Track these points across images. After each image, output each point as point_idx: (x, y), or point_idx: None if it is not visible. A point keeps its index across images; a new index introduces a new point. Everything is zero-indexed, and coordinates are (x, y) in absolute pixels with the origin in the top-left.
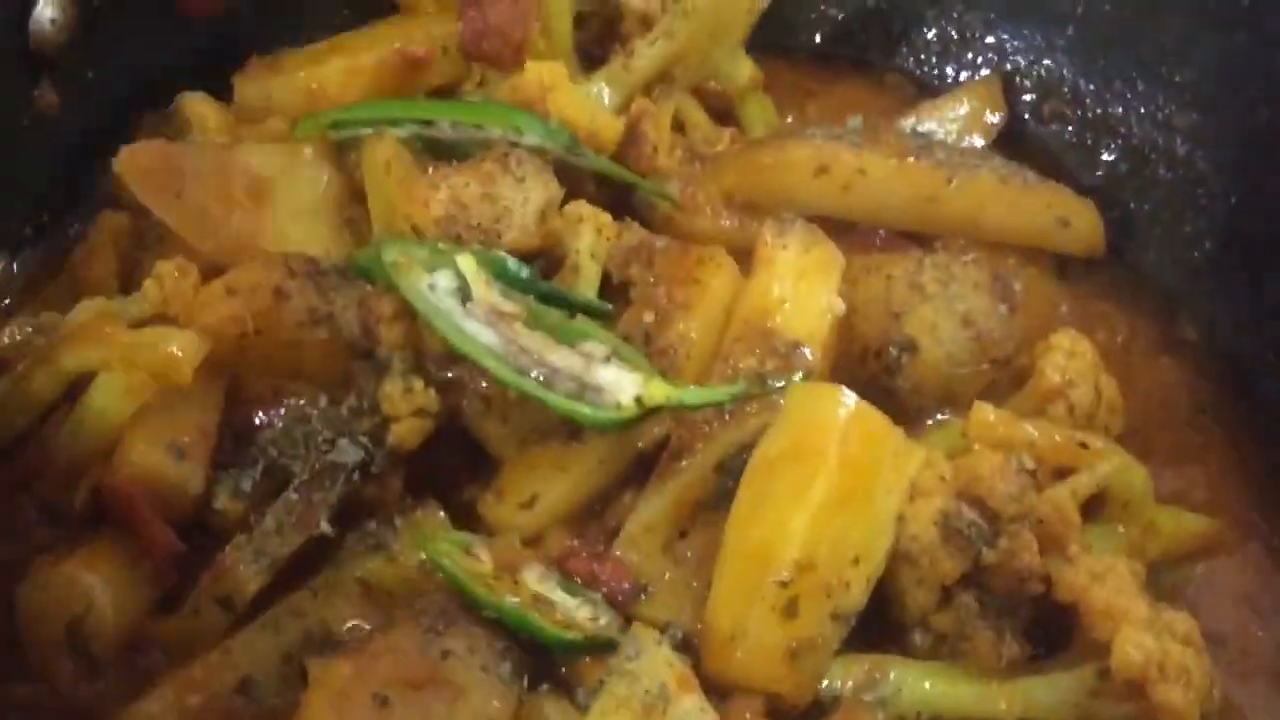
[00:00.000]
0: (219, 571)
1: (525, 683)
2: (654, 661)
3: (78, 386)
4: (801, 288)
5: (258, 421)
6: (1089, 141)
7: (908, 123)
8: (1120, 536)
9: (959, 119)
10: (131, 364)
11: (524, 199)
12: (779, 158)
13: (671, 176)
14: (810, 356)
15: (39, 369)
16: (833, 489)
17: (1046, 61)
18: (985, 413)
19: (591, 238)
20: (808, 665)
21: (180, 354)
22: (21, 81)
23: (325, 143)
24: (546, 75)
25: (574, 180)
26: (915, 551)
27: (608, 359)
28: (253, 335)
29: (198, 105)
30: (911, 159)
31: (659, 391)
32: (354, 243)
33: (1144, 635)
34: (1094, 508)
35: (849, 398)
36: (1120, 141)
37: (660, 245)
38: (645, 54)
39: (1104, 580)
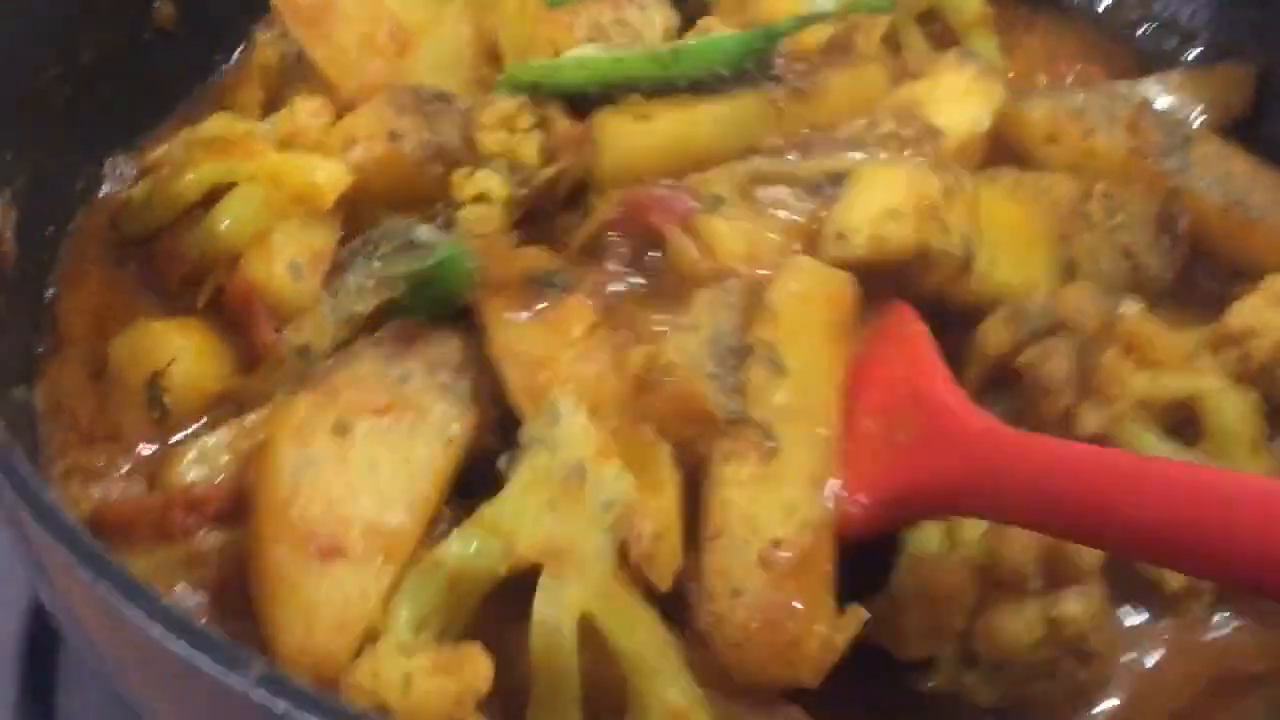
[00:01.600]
0: (300, 322)
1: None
2: (571, 432)
3: (215, 194)
4: (959, 101)
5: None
6: (1166, 45)
7: (1148, 90)
8: None
9: (1199, 103)
10: (277, 182)
11: (650, 22)
12: (1016, 115)
13: None
14: (944, 144)
15: (185, 171)
16: None
17: None
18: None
19: None
20: None
21: (325, 183)
22: None
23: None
24: None
25: None
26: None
27: None
28: (376, 176)
29: None
30: (1144, 159)
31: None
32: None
33: None
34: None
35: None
36: (1193, 41)
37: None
38: None
39: None
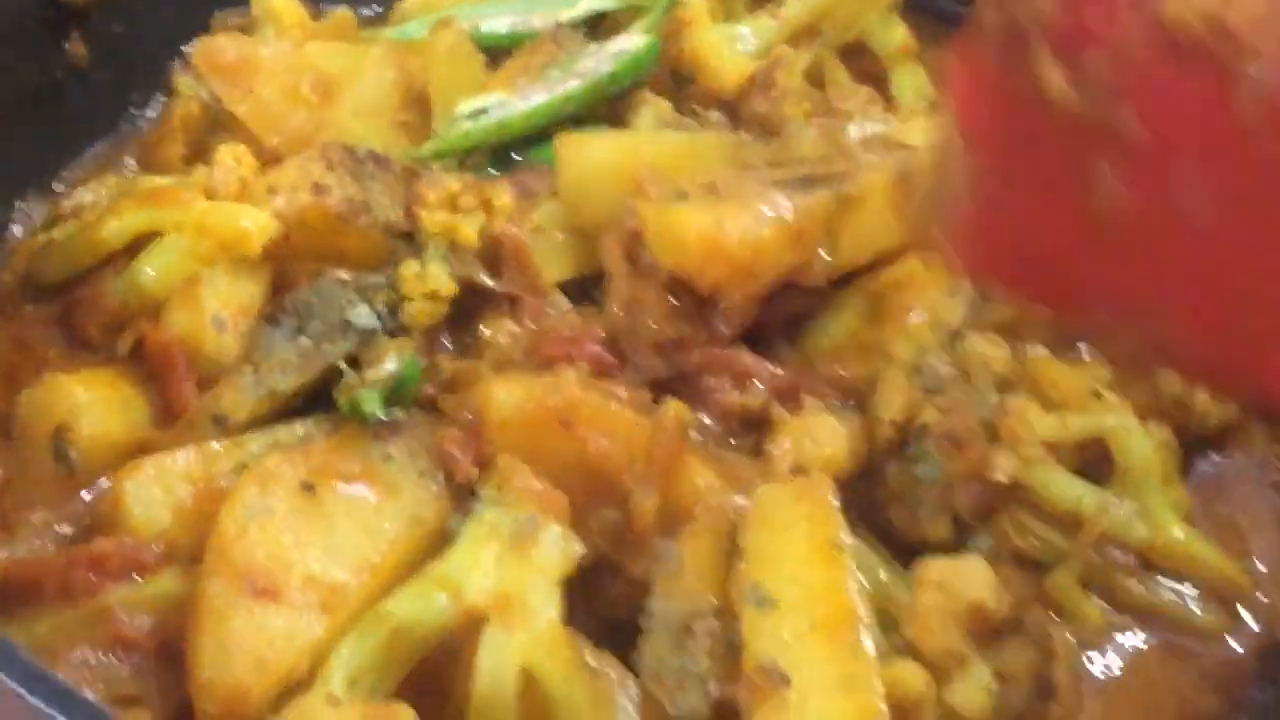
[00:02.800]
0: (220, 390)
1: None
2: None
3: (139, 243)
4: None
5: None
6: None
7: None
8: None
9: None
10: (203, 230)
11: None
12: None
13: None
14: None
15: (111, 218)
16: None
17: None
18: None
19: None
20: None
21: (252, 229)
22: (52, 35)
23: (391, 43)
24: (689, 11)
25: None
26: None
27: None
28: (298, 228)
29: (274, 1)
30: None
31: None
32: (408, 143)
33: None
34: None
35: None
36: None
37: None
38: (793, 4)
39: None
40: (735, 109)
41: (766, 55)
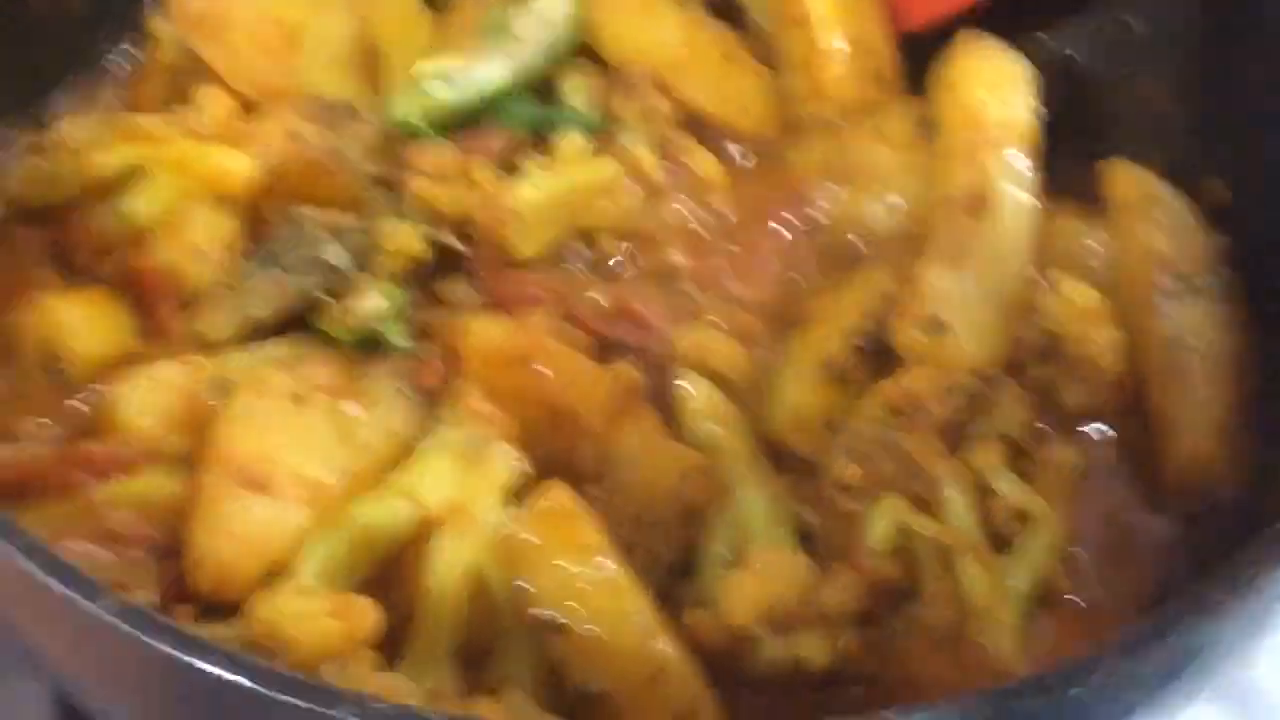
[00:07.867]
0: (201, 310)
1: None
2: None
3: (123, 176)
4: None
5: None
6: None
7: None
8: None
9: None
10: (188, 168)
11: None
12: None
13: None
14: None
15: (98, 153)
16: None
17: None
18: None
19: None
20: None
21: (235, 169)
22: None
23: None
24: None
25: None
26: None
27: None
28: (277, 175)
29: None
30: None
31: None
32: (372, 93)
33: None
34: None
35: None
36: None
37: None
38: None
39: None
40: None
41: None
